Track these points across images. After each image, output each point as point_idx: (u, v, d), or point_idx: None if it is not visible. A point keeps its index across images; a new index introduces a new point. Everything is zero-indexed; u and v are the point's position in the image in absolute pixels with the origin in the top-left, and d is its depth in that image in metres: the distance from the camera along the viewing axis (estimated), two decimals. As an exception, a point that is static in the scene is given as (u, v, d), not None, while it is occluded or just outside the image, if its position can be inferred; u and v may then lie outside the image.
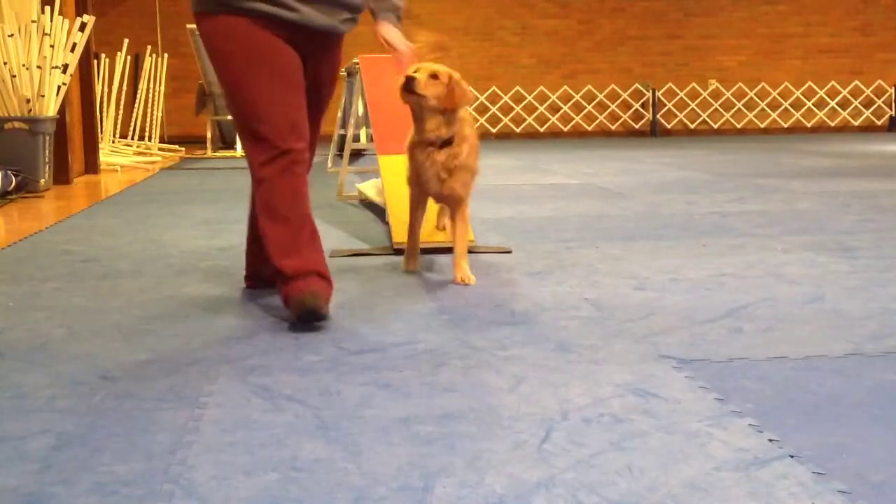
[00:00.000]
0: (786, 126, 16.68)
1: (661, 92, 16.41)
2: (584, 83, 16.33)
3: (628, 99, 16.45)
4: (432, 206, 4.33)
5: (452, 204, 3.78)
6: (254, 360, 2.63)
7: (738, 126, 16.58)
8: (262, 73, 3.06)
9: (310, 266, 3.07)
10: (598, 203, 6.30)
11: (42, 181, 7.58)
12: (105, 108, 10.93)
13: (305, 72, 3.22)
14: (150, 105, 12.40)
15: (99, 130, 9.89)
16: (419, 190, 3.80)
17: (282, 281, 3.08)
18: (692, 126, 16.57)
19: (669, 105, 16.50)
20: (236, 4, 3.05)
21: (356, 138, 8.38)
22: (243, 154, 3.23)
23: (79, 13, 8.87)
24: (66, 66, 7.96)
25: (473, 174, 3.79)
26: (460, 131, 3.65)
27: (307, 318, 2.95)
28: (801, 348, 2.68)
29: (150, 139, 12.42)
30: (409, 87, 3.49)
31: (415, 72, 3.54)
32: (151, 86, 12.49)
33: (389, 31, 3.45)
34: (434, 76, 3.53)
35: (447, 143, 3.63)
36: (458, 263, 3.73)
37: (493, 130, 16.08)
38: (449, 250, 4.31)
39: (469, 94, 3.62)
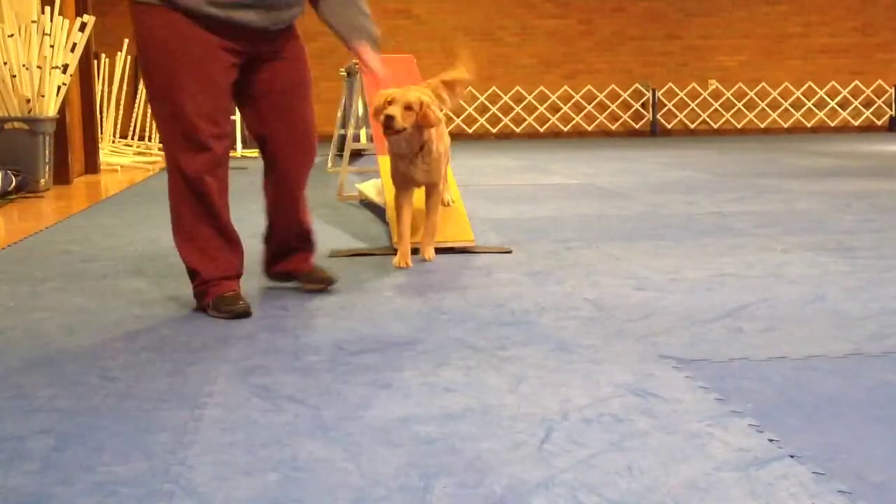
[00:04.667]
0: (786, 126, 16.68)
1: (661, 92, 16.41)
2: (584, 83, 16.33)
3: (628, 99, 16.45)
4: (419, 203, 4.35)
5: (429, 187, 4.16)
6: (254, 360, 2.63)
7: (738, 126, 16.58)
8: (193, 74, 3.09)
9: (231, 270, 3.27)
10: (598, 203, 6.30)
11: (42, 181, 7.58)
12: (105, 108, 10.92)
13: (262, 74, 3.26)
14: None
15: (99, 130, 9.88)
16: (404, 185, 4.16)
17: (202, 282, 3.23)
18: (692, 126, 16.57)
19: (669, 105, 16.50)
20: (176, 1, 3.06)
21: (356, 138, 8.38)
22: (161, 147, 3.25)
23: (79, 13, 8.87)
24: (66, 66, 7.96)
25: (446, 160, 4.31)
26: (426, 137, 4.05)
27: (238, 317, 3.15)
28: (801, 348, 2.68)
29: (150, 139, 12.41)
30: (389, 126, 3.87)
31: (389, 103, 3.87)
32: (151, 86, 12.47)
33: (370, 54, 3.47)
34: (408, 107, 3.89)
35: (420, 150, 4.05)
36: (426, 241, 4.20)
37: (493, 130, 16.08)
38: (448, 251, 4.32)
39: (437, 117, 4.00)
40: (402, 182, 4.15)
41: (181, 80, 3.08)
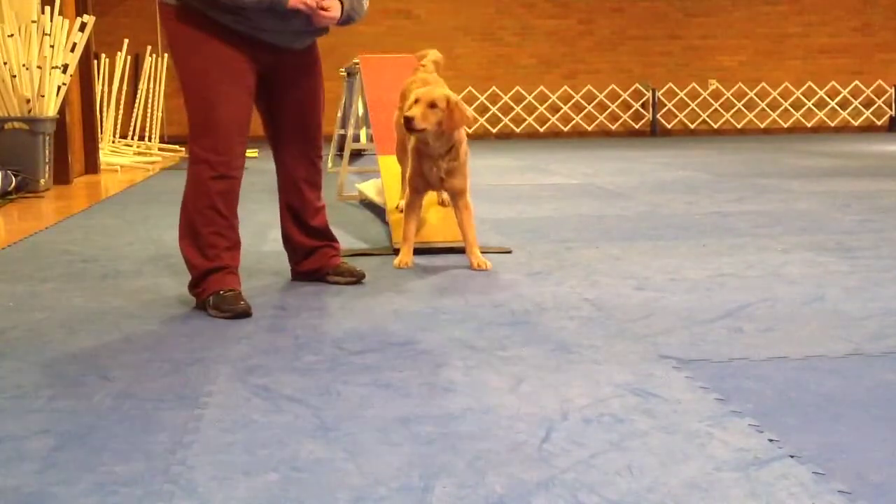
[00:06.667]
0: (786, 126, 16.68)
1: (661, 92, 16.41)
2: (584, 83, 16.32)
3: (628, 99, 16.44)
4: (428, 205, 4.34)
5: (456, 195, 4.03)
6: (254, 360, 2.63)
7: (738, 126, 16.58)
8: (222, 80, 3.24)
9: (230, 265, 3.29)
10: (598, 203, 6.30)
11: (42, 181, 7.58)
12: (105, 108, 10.92)
13: (278, 76, 3.40)
14: (150, 105, 12.40)
15: (99, 130, 9.88)
16: (423, 188, 4.06)
17: (207, 273, 3.23)
18: (692, 126, 16.57)
19: (669, 105, 16.50)
20: (206, 13, 3.20)
21: (356, 138, 8.38)
22: (188, 147, 3.36)
23: (79, 13, 8.87)
24: (66, 66, 7.96)
25: (468, 169, 4.12)
26: (457, 137, 3.94)
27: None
28: (801, 348, 2.68)
29: (150, 139, 12.42)
30: (409, 126, 3.72)
31: (415, 101, 3.75)
32: (151, 86, 12.48)
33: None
34: (432, 105, 3.75)
35: (447, 152, 3.92)
36: (471, 252, 3.99)
37: (493, 130, 16.08)
38: (448, 251, 4.32)
39: (468, 116, 3.84)
40: (423, 185, 4.02)
41: (218, 83, 3.22)
